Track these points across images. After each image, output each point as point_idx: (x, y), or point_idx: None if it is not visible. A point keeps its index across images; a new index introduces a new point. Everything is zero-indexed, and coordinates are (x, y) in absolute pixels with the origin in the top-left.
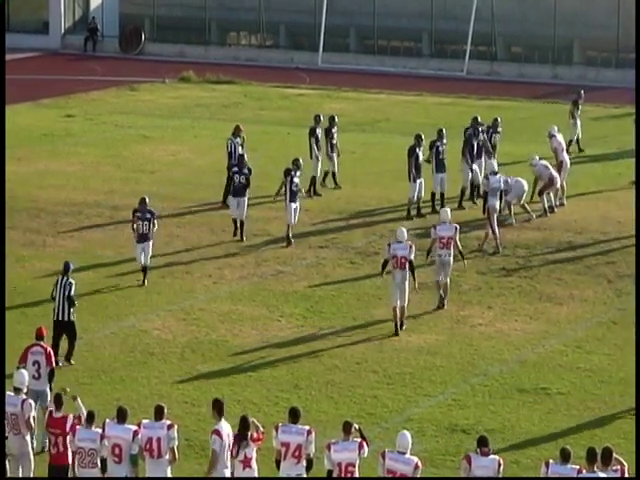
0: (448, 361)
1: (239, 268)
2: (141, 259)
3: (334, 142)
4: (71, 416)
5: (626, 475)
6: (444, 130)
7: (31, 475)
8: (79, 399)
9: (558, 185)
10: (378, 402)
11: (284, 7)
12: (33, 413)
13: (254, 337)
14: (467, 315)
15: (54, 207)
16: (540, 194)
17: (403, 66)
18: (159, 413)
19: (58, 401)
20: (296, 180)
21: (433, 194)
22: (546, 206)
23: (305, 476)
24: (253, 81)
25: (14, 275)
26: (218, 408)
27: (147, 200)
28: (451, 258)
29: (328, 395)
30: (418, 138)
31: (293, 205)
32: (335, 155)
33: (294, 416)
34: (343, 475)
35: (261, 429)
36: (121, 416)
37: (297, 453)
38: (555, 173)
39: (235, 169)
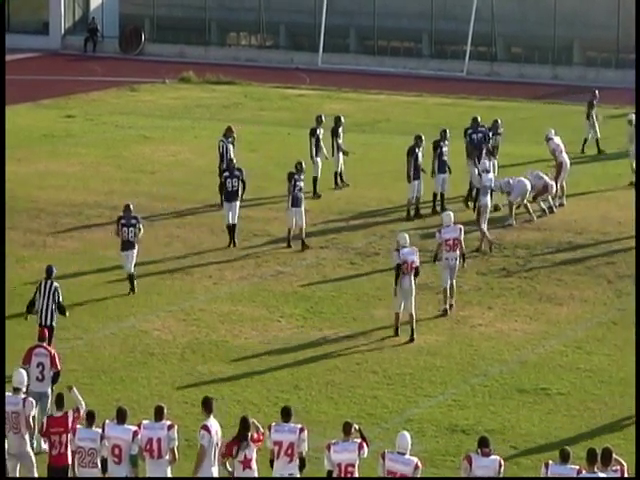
0: (448, 361)
1: (239, 269)
2: (127, 267)
3: (339, 142)
4: (71, 411)
5: (626, 475)
6: (447, 131)
7: (35, 475)
8: (75, 389)
9: (553, 191)
10: (378, 402)
11: (284, 7)
12: (34, 412)
13: (254, 338)
14: (467, 315)
15: (54, 208)
16: (534, 199)
17: (403, 66)
18: (159, 414)
19: (60, 401)
20: (300, 184)
21: (435, 195)
22: (545, 207)
23: (298, 476)
24: (253, 82)
25: (14, 276)
26: (207, 405)
27: (131, 206)
28: (457, 261)
29: (328, 395)
30: (418, 139)
31: (295, 209)
32: (341, 155)
33: (286, 415)
34: (343, 475)
35: (261, 430)
36: (121, 417)
37: (290, 451)
38: (550, 180)
39: (226, 174)
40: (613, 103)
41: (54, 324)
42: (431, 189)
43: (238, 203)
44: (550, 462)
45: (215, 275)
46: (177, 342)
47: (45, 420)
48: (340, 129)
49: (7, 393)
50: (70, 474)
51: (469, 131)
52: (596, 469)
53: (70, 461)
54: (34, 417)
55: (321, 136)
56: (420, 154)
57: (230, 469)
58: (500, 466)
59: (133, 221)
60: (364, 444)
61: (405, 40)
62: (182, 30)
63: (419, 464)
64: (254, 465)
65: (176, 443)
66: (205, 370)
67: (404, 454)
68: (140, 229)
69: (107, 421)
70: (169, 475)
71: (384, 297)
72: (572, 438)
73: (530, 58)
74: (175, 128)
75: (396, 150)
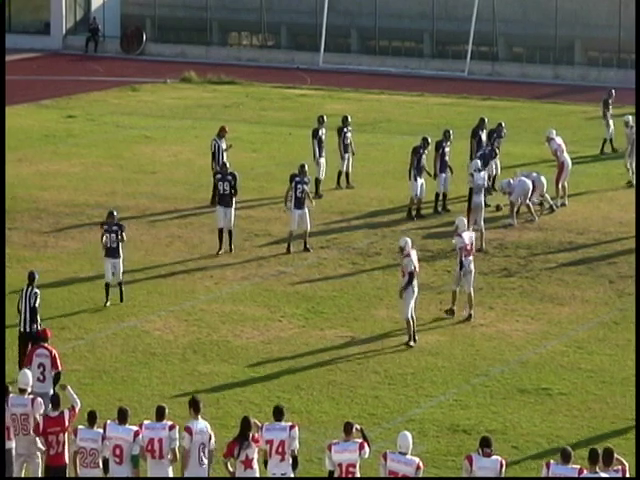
0: (449, 362)
1: (240, 269)
2: (110, 277)
3: (347, 142)
4: (66, 411)
5: (627, 475)
6: (451, 131)
7: (39, 475)
8: (69, 387)
9: (542, 190)
10: (379, 402)
11: (285, 7)
12: (42, 411)
13: (255, 338)
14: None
15: (55, 208)
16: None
17: (404, 66)
18: (160, 414)
19: (56, 401)
20: (302, 187)
21: (437, 194)
22: (538, 202)
23: (292, 475)
24: (254, 81)
25: (15, 276)
26: (194, 406)
27: (115, 213)
28: (472, 265)
29: (329, 395)
30: (424, 141)
31: (298, 211)
32: (349, 155)
33: (279, 414)
34: (344, 476)
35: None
36: (122, 417)
37: (280, 449)
38: (541, 178)
39: (219, 176)
40: (615, 103)
41: (37, 329)
42: (433, 189)
43: (232, 208)
44: (551, 462)
45: (216, 275)
46: (178, 342)
47: (41, 420)
48: (346, 129)
49: (13, 394)
50: (68, 474)
51: (478, 132)
52: (598, 469)
53: (67, 461)
54: None
55: (324, 137)
56: (424, 156)
57: (231, 469)
58: (501, 466)
59: (115, 228)
60: (365, 444)
61: (406, 40)
62: (183, 30)
63: (421, 464)
64: (255, 465)
65: (177, 443)
66: (206, 370)
67: (405, 454)
68: (123, 237)
69: (108, 421)
70: (170, 475)
71: (385, 297)
72: (573, 438)
73: (532, 58)
74: (176, 128)
75: (397, 150)
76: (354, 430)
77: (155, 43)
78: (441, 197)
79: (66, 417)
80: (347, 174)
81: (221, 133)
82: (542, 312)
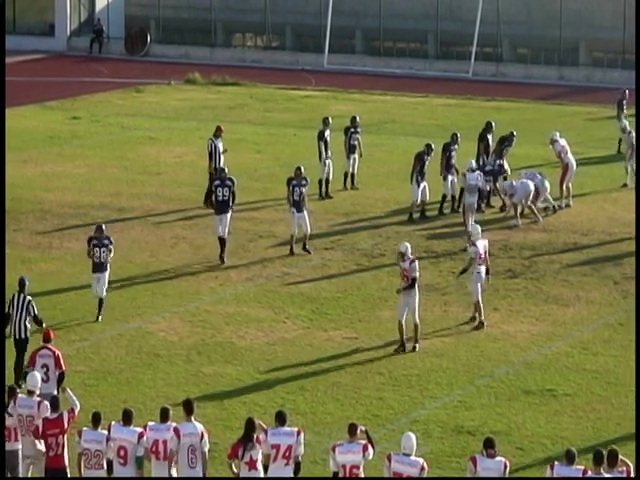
0: (454, 363)
1: (245, 270)
2: (96, 290)
3: (353, 143)
4: (65, 413)
5: (632, 476)
6: (458, 135)
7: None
8: (68, 390)
9: (546, 192)
10: (384, 404)
11: (290, 9)
12: (48, 414)
13: (260, 339)
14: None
15: (60, 209)
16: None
17: (409, 67)
18: (165, 415)
19: (55, 403)
20: (300, 190)
21: (444, 196)
22: (536, 212)
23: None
24: (259, 83)
25: None
26: (186, 407)
27: (104, 227)
28: (484, 273)
29: (334, 397)
30: (428, 147)
31: (298, 214)
32: (356, 156)
33: (281, 420)
34: (348, 476)
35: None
36: (126, 418)
37: (287, 454)
38: (545, 182)
39: (217, 182)
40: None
41: (28, 336)
42: (438, 192)
43: (229, 215)
44: (556, 463)
45: (221, 276)
46: (183, 343)
47: (40, 422)
48: (354, 129)
49: (21, 395)
50: (71, 475)
51: (485, 134)
52: (602, 470)
53: (67, 462)
54: None
55: (329, 138)
56: (427, 162)
57: (236, 470)
58: (505, 467)
59: (105, 241)
60: (369, 446)
61: (411, 41)
62: (188, 31)
63: (425, 465)
64: (260, 466)
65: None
66: (211, 371)
67: (410, 455)
68: (111, 250)
69: (113, 423)
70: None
71: (390, 298)
72: (578, 439)
73: (536, 59)
74: (181, 129)
75: (402, 151)
76: (358, 431)
77: (159, 44)
78: (449, 198)
79: (65, 419)
80: (352, 175)
81: (217, 133)
82: (547, 313)
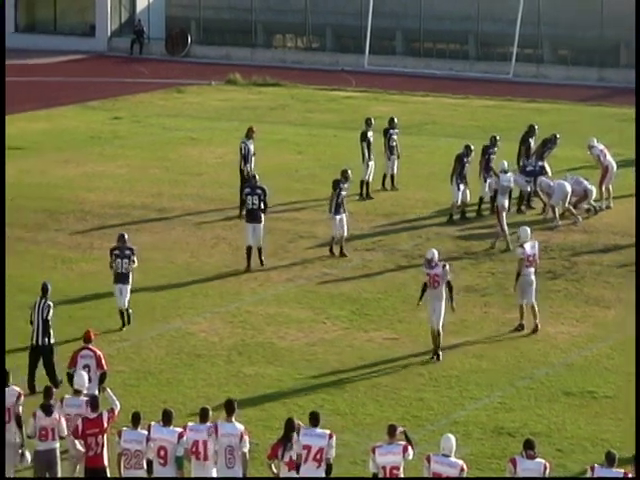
0: (494, 364)
1: (285, 270)
2: (120, 301)
3: (392, 144)
4: (105, 412)
5: None
6: (498, 137)
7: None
8: (109, 390)
9: (593, 196)
10: (424, 405)
11: (330, 10)
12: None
13: (300, 339)
14: (513, 318)
15: (101, 209)
16: (575, 206)
17: (449, 69)
18: (205, 416)
19: (94, 403)
20: (343, 193)
21: (481, 198)
22: (586, 207)
23: None
24: (299, 83)
25: (61, 277)
26: (227, 407)
27: (126, 237)
28: (534, 276)
29: (373, 398)
30: (467, 148)
31: (339, 217)
32: (395, 157)
33: (315, 420)
34: (388, 477)
35: None
36: (166, 418)
37: (318, 457)
38: (589, 185)
39: (247, 190)
40: None
41: (52, 342)
42: (477, 193)
43: (261, 225)
44: (596, 465)
45: (261, 277)
46: (223, 344)
47: (80, 422)
48: (392, 130)
49: (67, 395)
50: (110, 475)
51: (527, 138)
52: None
53: (106, 462)
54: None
55: (372, 139)
56: (467, 164)
57: (275, 471)
58: (545, 469)
59: (127, 252)
60: (409, 447)
61: (451, 42)
62: (228, 32)
63: (464, 467)
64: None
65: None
66: (251, 372)
67: (449, 456)
68: (134, 261)
69: (153, 423)
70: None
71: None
72: (618, 441)
73: (577, 60)
74: (222, 130)
75: (442, 152)
76: (398, 432)
77: (200, 45)
78: (487, 199)
79: (105, 419)
80: (392, 176)
81: (249, 134)
82: (587, 315)
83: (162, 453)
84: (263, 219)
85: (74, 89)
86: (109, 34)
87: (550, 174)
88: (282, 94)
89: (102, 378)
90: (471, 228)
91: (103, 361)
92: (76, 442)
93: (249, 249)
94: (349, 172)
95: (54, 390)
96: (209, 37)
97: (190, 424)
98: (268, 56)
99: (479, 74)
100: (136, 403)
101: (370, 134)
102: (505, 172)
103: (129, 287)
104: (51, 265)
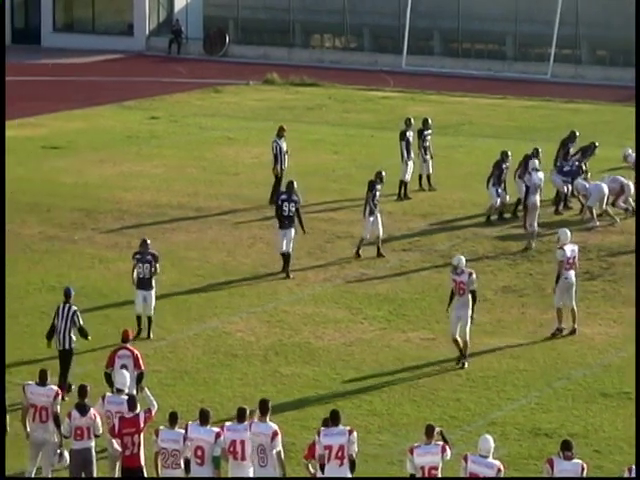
0: (531, 365)
1: (322, 270)
2: (141, 308)
3: (426, 145)
4: (142, 412)
5: None
6: (540, 150)
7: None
8: (147, 389)
9: (631, 191)
10: (461, 405)
11: (368, 10)
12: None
13: (337, 339)
14: (550, 318)
15: (138, 209)
16: (613, 204)
17: (487, 69)
18: (242, 415)
19: (132, 402)
20: (378, 194)
21: (519, 200)
22: (624, 208)
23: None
24: (337, 83)
25: (98, 276)
26: (262, 407)
27: (148, 242)
28: (574, 278)
29: (411, 398)
30: (504, 154)
31: (372, 218)
32: (429, 158)
33: (335, 418)
34: (427, 477)
35: None
36: (203, 418)
37: (340, 454)
38: (626, 180)
39: (283, 197)
40: None
41: (73, 347)
42: (514, 194)
43: (293, 231)
44: (633, 466)
45: (298, 277)
46: (260, 343)
47: (117, 421)
48: (427, 131)
49: (108, 394)
50: (148, 474)
51: (567, 143)
52: None
53: (143, 462)
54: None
55: (411, 139)
56: (505, 170)
57: (312, 470)
58: (582, 470)
59: (148, 257)
60: (447, 447)
61: (489, 42)
62: (266, 32)
63: (501, 467)
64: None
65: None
66: (288, 372)
67: (487, 457)
68: (157, 268)
69: (190, 422)
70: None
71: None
72: None
73: (615, 61)
74: (259, 130)
75: (480, 153)
76: (435, 433)
77: (238, 45)
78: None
79: (141, 419)
80: (428, 176)
81: (280, 133)
82: (624, 316)
83: (199, 453)
84: (294, 226)
85: (111, 89)
86: (147, 34)
87: (587, 175)
88: (319, 94)
89: (140, 378)
90: (509, 228)
91: (140, 361)
92: (113, 441)
93: (283, 255)
94: (383, 173)
95: (88, 388)
96: (247, 37)
97: (228, 424)
98: (305, 56)
99: (517, 74)
100: (173, 402)
101: (409, 134)
102: (537, 170)
103: (153, 293)
104: (88, 264)
